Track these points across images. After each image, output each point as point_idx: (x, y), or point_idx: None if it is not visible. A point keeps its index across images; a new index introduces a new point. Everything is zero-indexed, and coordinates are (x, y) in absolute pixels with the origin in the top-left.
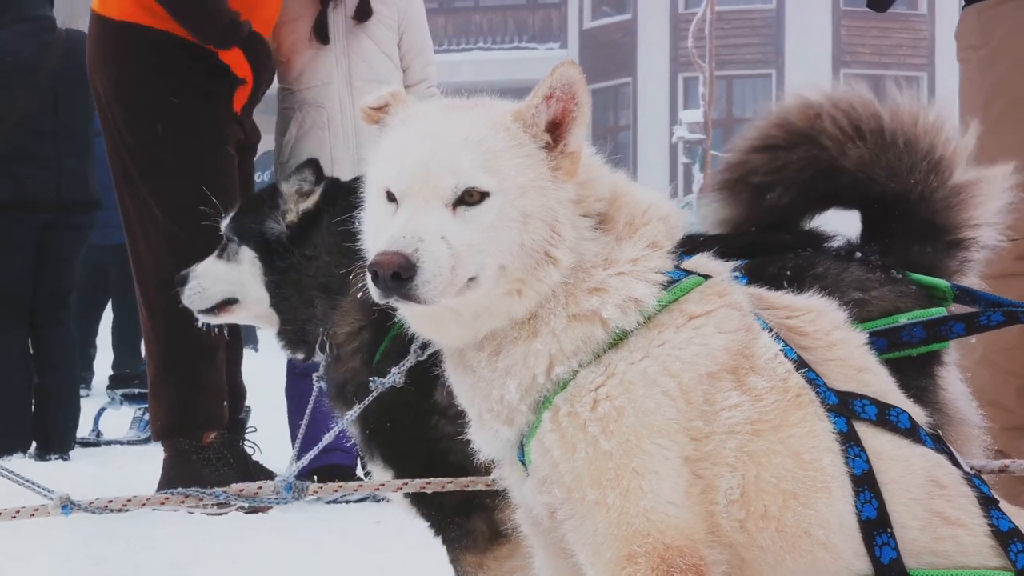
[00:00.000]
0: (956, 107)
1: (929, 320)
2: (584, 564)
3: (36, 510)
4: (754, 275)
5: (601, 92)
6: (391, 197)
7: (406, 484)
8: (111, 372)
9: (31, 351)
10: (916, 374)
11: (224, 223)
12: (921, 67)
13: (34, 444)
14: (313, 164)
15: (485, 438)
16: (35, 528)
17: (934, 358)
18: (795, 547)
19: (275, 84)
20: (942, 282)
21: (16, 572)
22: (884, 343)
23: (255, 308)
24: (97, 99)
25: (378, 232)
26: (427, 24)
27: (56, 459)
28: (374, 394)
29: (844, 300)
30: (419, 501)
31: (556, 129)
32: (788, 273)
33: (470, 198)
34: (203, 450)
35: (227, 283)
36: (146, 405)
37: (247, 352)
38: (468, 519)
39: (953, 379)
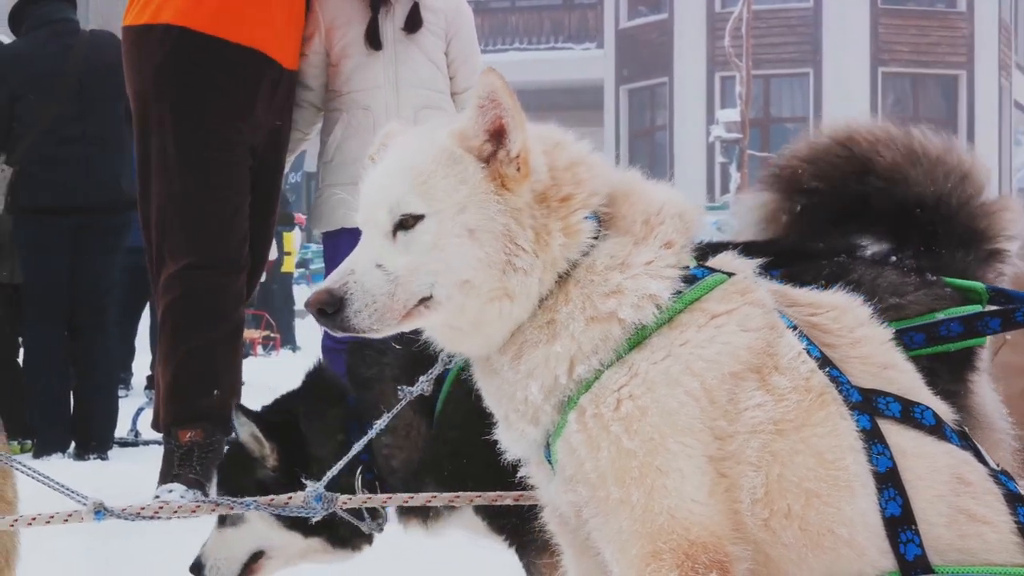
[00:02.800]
0: (995, 106)
1: (966, 316)
2: (610, 561)
3: (70, 515)
4: (791, 282)
5: (637, 92)
6: None
7: (435, 497)
8: (149, 372)
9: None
10: (948, 377)
11: (211, 493)
12: (960, 65)
13: (73, 444)
14: (242, 410)
15: (512, 438)
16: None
17: (968, 362)
18: (818, 545)
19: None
20: (978, 284)
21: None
22: (922, 338)
23: (289, 550)
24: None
25: None
26: (475, 32)
27: (95, 459)
28: (403, 403)
29: (881, 306)
30: (496, 513)
31: (500, 138)
32: (824, 281)
33: (407, 223)
34: (180, 448)
35: (245, 545)
36: None
37: (285, 352)
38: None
39: (984, 384)
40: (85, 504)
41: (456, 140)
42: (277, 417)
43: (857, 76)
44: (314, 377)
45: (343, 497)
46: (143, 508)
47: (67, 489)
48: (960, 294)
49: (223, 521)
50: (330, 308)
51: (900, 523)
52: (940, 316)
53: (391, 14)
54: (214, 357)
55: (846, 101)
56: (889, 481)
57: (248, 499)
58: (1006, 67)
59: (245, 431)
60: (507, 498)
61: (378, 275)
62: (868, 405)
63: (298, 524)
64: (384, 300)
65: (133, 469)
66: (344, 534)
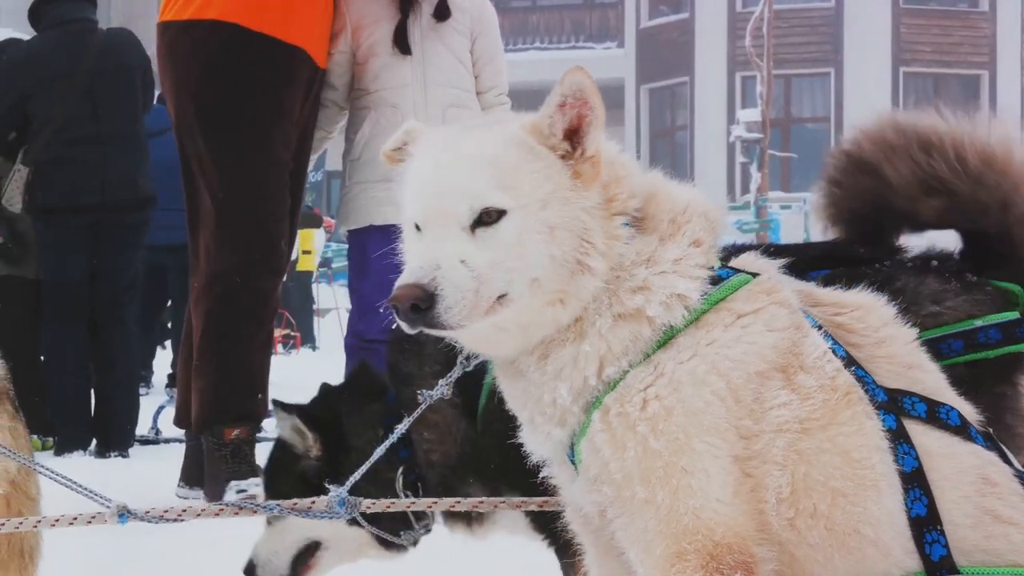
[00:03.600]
0: (1018, 106)
1: (1004, 322)
2: (634, 562)
3: (93, 517)
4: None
5: (658, 92)
6: (418, 229)
7: (458, 502)
8: (170, 371)
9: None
10: (995, 380)
11: (259, 491)
12: (982, 65)
13: (95, 442)
14: (280, 405)
15: (538, 440)
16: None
17: (1015, 365)
18: (844, 545)
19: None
20: (1016, 286)
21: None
22: (960, 344)
23: (347, 543)
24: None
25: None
26: (499, 32)
27: (116, 456)
28: (423, 406)
29: (921, 314)
30: (540, 512)
31: (573, 136)
32: (869, 288)
33: (488, 218)
34: (223, 446)
35: (293, 537)
36: None
37: (305, 351)
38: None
39: None
40: (108, 507)
41: (533, 135)
42: (319, 411)
43: (879, 76)
44: (357, 373)
45: (367, 502)
46: (167, 511)
47: (91, 492)
48: (1001, 296)
49: (271, 519)
50: (424, 304)
51: (926, 523)
52: (978, 323)
53: (419, 15)
54: (257, 358)
55: (867, 101)
56: (915, 481)
57: (271, 502)
58: None
59: (287, 425)
60: (536, 504)
61: (464, 271)
62: (894, 405)
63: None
64: (471, 296)
65: (155, 467)
66: (392, 531)
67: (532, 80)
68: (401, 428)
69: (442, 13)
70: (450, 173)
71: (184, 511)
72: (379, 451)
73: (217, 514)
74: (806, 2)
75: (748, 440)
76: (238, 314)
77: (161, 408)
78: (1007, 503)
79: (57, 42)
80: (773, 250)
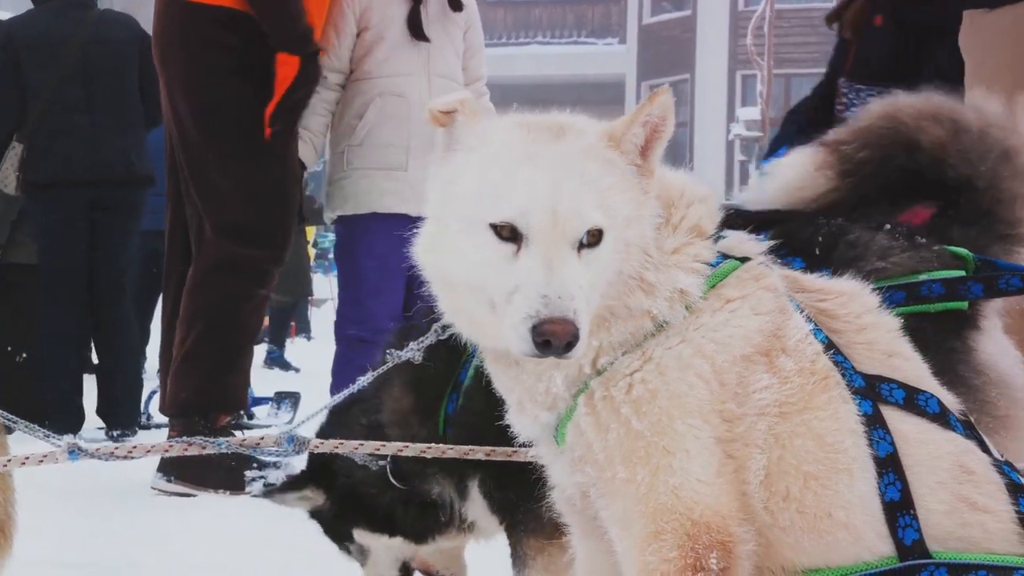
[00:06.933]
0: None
1: (948, 279)
2: (614, 541)
3: (44, 457)
4: (787, 241)
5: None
6: (503, 234)
7: (406, 446)
8: None
9: (88, 331)
10: (946, 335)
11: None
12: None
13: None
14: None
15: (524, 423)
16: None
17: (966, 322)
18: (815, 528)
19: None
20: (964, 251)
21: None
22: (903, 296)
23: (383, 555)
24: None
25: (499, 272)
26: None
27: (121, 437)
28: (389, 365)
29: (867, 268)
30: (499, 487)
31: (643, 149)
32: (821, 239)
33: (591, 238)
34: (215, 432)
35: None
36: None
37: (300, 340)
38: (539, 504)
39: (991, 342)
40: (59, 446)
41: (616, 149)
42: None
43: None
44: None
45: (315, 440)
46: (116, 448)
47: (42, 431)
48: (950, 256)
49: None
50: (576, 340)
51: (899, 507)
52: (922, 277)
53: (426, 5)
54: (248, 349)
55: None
56: (889, 466)
57: (220, 439)
58: None
59: (291, 501)
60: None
61: (584, 299)
62: (871, 391)
63: (380, 527)
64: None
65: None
66: (418, 526)
67: (533, 74)
68: (362, 381)
69: (457, 4)
70: (562, 188)
71: (134, 447)
72: (336, 397)
73: (166, 451)
74: (808, 2)
75: (731, 423)
76: (239, 303)
77: (153, 393)
78: (984, 491)
79: (54, 14)
80: (731, 214)
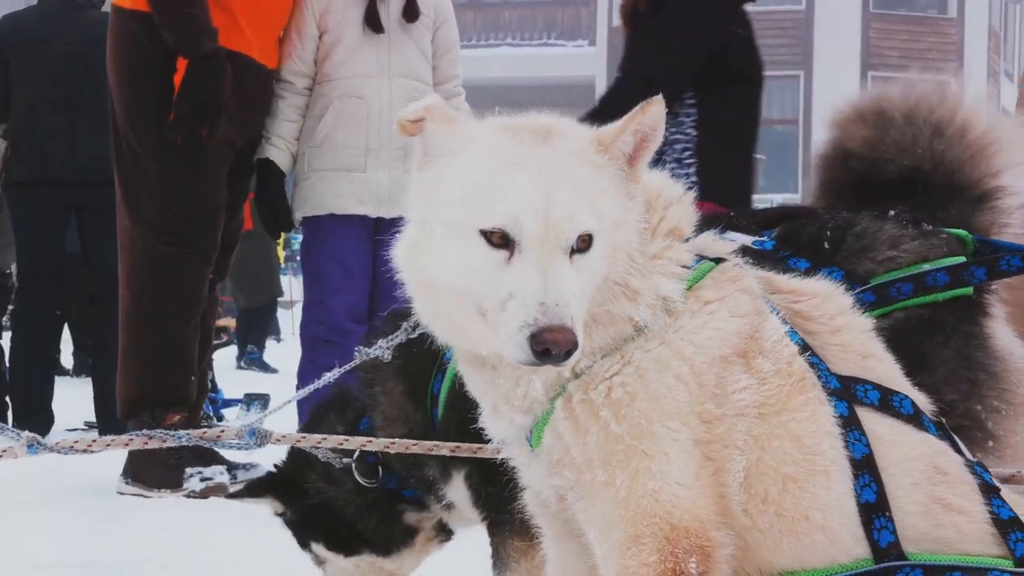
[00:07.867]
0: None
1: (952, 266)
2: (593, 545)
3: (3, 452)
4: (794, 237)
5: None
6: (494, 240)
7: (370, 441)
8: None
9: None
10: (962, 321)
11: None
12: (950, 70)
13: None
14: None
15: (499, 426)
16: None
17: (978, 308)
18: (793, 531)
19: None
20: (963, 232)
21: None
22: (911, 288)
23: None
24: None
25: (490, 279)
26: (455, 22)
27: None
28: (357, 361)
29: (879, 258)
30: (482, 481)
31: (631, 157)
32: (828, 233)
33: (583, 244)
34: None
35: None
36: None
37: (269, 342)
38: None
39: (1003, 329)
40: (18, 440)
41: (607, 154)
42: (286, 476)
43: (847, 80)
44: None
45: (276, 433)
46: (76, 442)
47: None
48: (955, 241)
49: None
50: (575, 348)
51: (874, 509)
52: (926, 267)
53: (386, 4)
54: (190, 344)
55: (836, 104)
56: (865, 468)
57: (181, 432)
58: (994, 74)
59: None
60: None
61: (578, 305)
62: (846, 392)
63: (336, 546)
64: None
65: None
66: (383, 539)
67: (503, 76)
68: (332, 375)
69: (412, 14)
70: (553, 193)
71: (93, 441)
72: (302, 392)
73: (126, 445)
74: (776, 4)
75: (710, 424)
76: (176, 300)
77: None
78: (957, 492)
79: (48, 13)
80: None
